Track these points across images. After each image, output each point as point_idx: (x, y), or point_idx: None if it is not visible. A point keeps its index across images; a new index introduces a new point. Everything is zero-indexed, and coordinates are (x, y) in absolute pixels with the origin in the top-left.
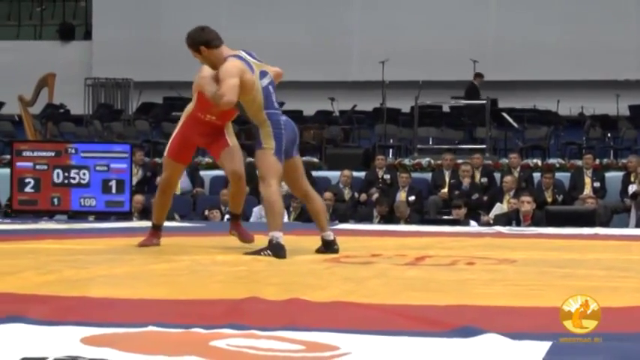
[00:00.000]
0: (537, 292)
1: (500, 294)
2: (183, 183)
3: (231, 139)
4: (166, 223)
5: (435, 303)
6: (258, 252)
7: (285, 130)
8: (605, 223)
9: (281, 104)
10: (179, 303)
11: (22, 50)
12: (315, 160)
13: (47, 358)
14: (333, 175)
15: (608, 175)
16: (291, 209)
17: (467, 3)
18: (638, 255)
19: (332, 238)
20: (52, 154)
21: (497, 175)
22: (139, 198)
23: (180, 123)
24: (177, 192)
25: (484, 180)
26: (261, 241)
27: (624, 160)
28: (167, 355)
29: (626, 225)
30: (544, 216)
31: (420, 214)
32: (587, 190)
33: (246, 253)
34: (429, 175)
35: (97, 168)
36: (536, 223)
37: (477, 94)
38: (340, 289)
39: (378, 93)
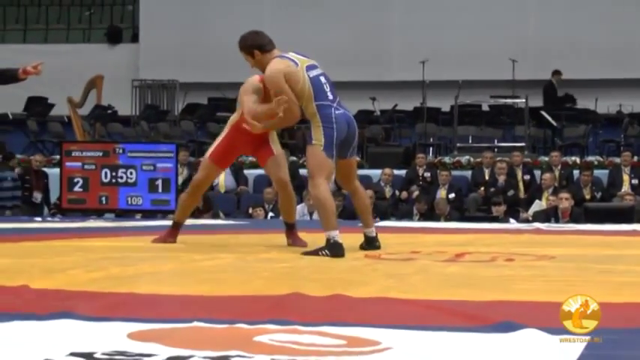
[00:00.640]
0: (576, 287)
1: (540, 290)
2: (227, 181)
3: (276, 147)
4: (212, 221)
5: (474, 299)
6: (316, 252)
7: (337, 125)
8: None
9: None
10: (224, 299)
11: (72, 53)
12: (357, 158)
13: (95, 352)
14: (375, 173)
15: None
16: None
17: (506, 3)
18: None
19: (374, 234)
20: (100, 154)
21: (536, 173)
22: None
23: (225, 130)
24: (222, 190)
25: (527, 177)
26: (304, 238)
27: None
28: (212, 349)
29: None
30: (582, 213)
31: (460, 211)
32: (626, 187)
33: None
34: (468, 173)
35: (144, 167)
36: (574, 219)
37: (554, 92)
38: (382, 285)
39: (418, 93)
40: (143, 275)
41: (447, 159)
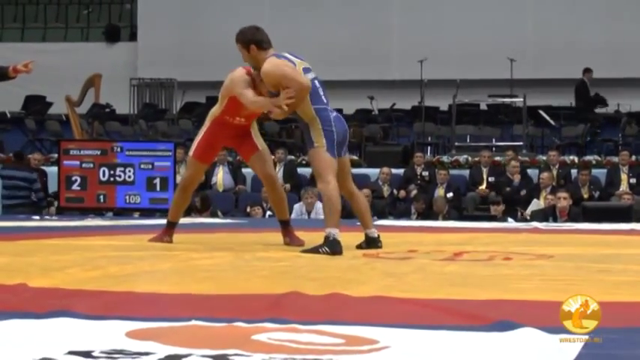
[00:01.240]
0: (574, 286)
1: (538, 289)
2: (225, 180)
3: (259, 142)
4: (210, 220)
5: (473, 298)
6: (315, 249)
7: (336, 127)
8: None
9: None
10: (222, 298)
11: (70, 52)
12: (355, 157)
13: (93, 351)
14: (373, 172)
15: None
16: None
17: (504, 2)
18: None
19: (376, 235)
20: (98, 152)
21: (534, 172)
22: None
23: (206, 125)
24: (220, 189)
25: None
26: (302, 237)
27: None
28: (210, 348)
29: None
30: (581, 212)
31: (458, 210)
32: (624, 187)
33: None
34: (466, 172)
35: (142, 166)
36: (572, 219)
37: (586, 91)
38: (380, 284)
39: (416, 91)
40: (141, 274)
41: (445, 158)
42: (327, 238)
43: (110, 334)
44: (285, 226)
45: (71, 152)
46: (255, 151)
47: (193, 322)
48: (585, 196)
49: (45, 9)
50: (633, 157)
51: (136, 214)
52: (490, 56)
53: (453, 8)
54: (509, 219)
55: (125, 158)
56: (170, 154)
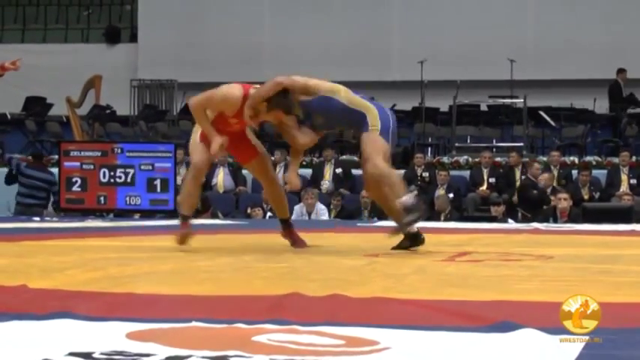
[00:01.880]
0: (574, 287)
1: (538, 289)
2: (226, 181)
3: (259, 146)
4: (210, 221)
5: (473, 298)
6: (404, 225)
7: (392, 117)
8: None
9: None
10: (222, 299)
11: (70, 53)
12: (356, 158)
13: (93, 352)
14: None
15: None
16: (331, 206)
17: (505, 3)
18: None
19: (416, 229)
20: (99, 153)
21: None
22: None
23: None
24: (221, 190)
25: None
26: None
27: None
28: (211, 349)
29: None
30: (581, 213)
31: (459, 211)
32: (624, 187)
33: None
34: (467, 173)
35: (142, 167)
36: (573, 219)
37: (620, 92)
38: (380, 285)
39: (416, 92)
40: (142, 275)
41: (445, 159)
42: (404, 207)
43: (110, 335)
44: (288, 227)
45: (71, 153)
46: (254, 154)
47: (194, 324)
48: (585, 196)
49: (45, 10)
50: (634, 158)
51: (137, 216)
52: (490, 57)
53: (453, 9)
54: (510, 220)
55: (125, 159)
56: (170, 155)
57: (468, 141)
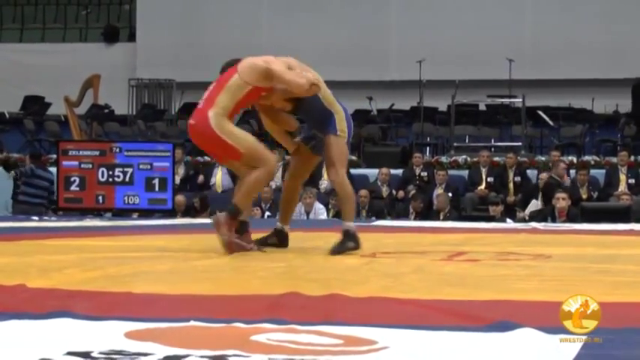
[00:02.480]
0: (573, 287)
1: (536, 289)
2: (224, 181)
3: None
4: (208, 220)
5: (471, 298)
6: (344, 249)
7: (351, 121)
8: None
9: None
10: (220, 298)
11: (68, 52)
12: (354, 158)
13: (92, 352)
14: (372, 172)
15: None
16: (330, 206)
17: (503, 2)
18: None
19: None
20: (97, 153)
21: (533, 173)
22: (180, 200)
23: (222, 126)
24: (219, 190)
25: (517, 179)
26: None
27: None
28: (209, 349)
29: None
30: (579, 212)
31: (457, 210)
32: (622, 187)
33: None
34: (465, 173)
35: (141, 166)
36: (571, 219)
37: None
38: (378, 284)
39: (415, 92)
40: (140, 274)
41: (443, 158)
42: (347, 232)
43: (109, 334)
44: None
45: (70, 153)
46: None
47: (192, 323)
48: (584, 196)
49: (44, 9)
50: (632, 158)
51: (135, 215)
52: (489, 57)
53: (451, 9)
54: (508, 219)
55: (124, 159)
56: (169, 154)
57: (467, 141)
